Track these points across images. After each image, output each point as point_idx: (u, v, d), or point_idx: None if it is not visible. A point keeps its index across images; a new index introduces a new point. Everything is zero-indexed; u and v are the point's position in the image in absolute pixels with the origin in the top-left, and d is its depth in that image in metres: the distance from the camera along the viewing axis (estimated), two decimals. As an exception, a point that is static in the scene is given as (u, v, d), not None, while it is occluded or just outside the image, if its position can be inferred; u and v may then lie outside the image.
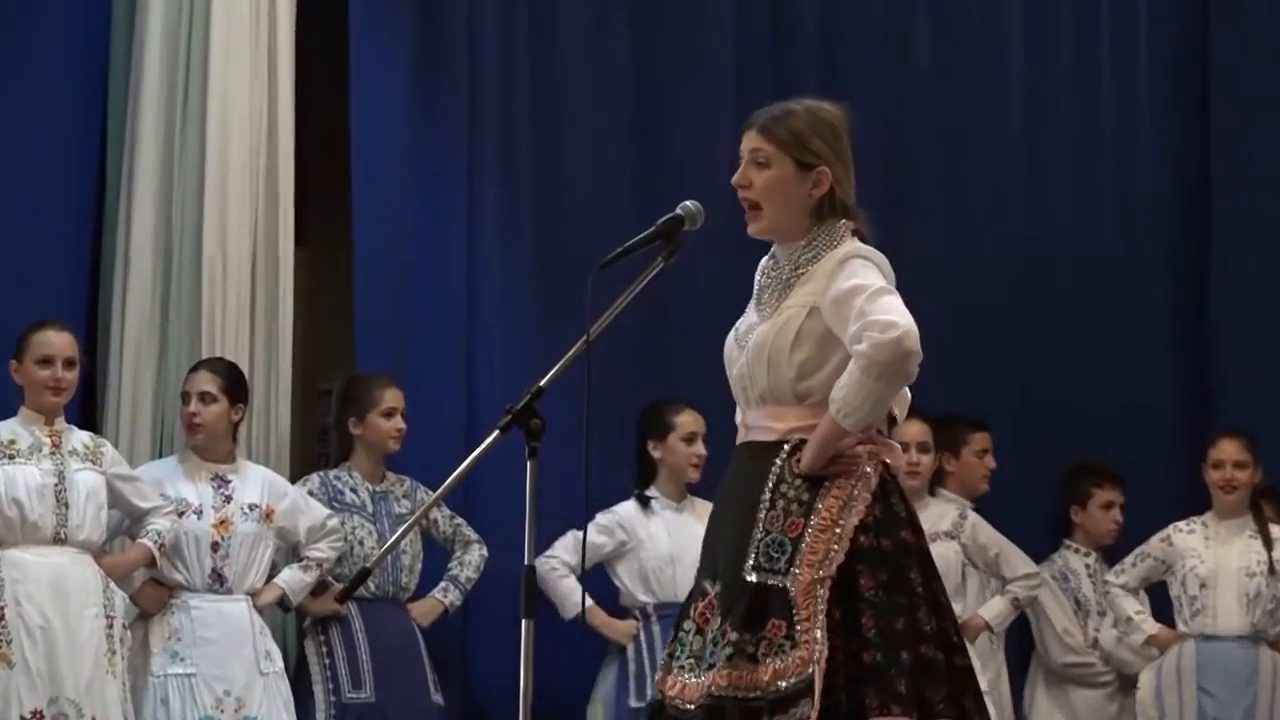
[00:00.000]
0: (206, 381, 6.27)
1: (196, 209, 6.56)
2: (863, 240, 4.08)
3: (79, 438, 6.08)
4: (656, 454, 6.83)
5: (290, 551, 6.46)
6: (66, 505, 5.92)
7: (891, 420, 4.11)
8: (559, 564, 6.61)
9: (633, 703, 6.58)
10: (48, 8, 6.60)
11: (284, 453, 6.66)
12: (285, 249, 6.69)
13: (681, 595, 4.60)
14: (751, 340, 4.06)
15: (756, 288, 4.16)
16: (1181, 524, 7.16)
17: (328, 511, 6.46)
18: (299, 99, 6.78)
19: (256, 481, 6.35)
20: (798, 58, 7.51)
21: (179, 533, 6.16)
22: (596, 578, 6.80)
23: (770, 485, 3.97)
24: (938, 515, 7.00)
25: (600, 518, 6.76)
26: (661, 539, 6.74)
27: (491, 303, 7.05)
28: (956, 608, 6.19)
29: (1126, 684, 7.28)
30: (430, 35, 7.04)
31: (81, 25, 6.63)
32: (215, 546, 6.22)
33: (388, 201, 6.93)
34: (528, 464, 3.85)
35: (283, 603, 6.39)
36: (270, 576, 6.36)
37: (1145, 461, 7.53)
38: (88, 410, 6.50)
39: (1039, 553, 7.31)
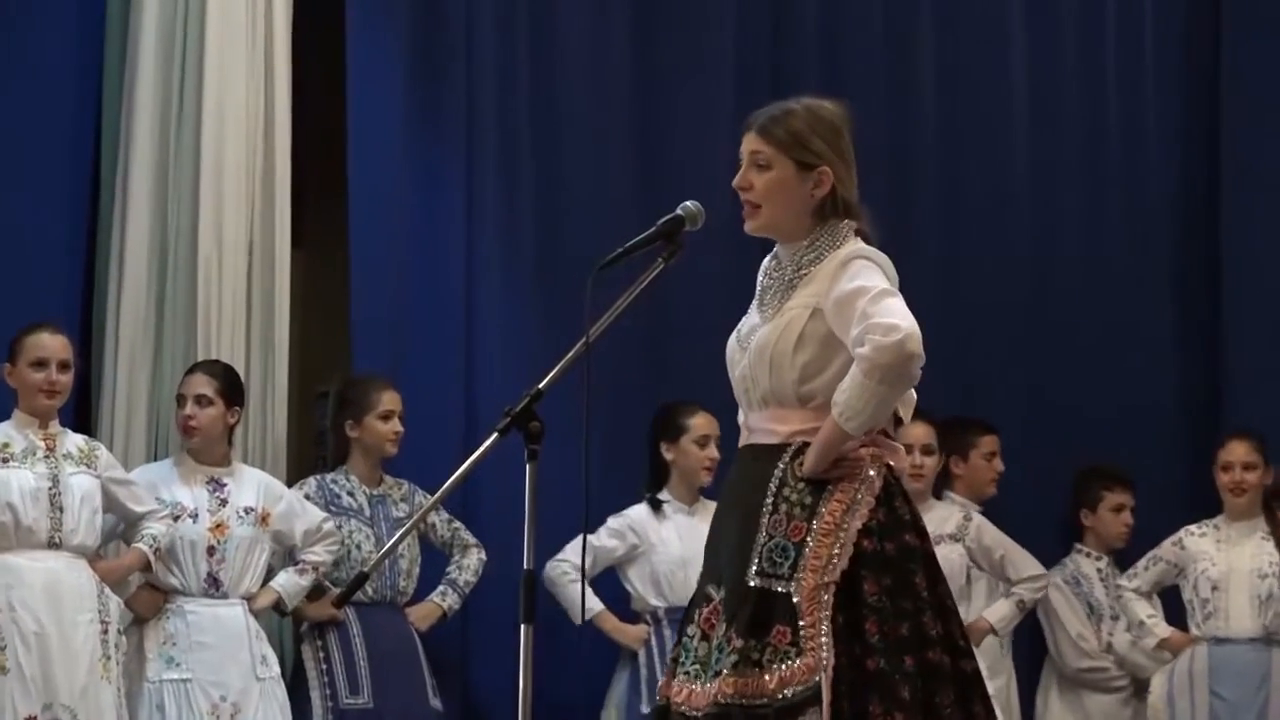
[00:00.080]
0: (202, 384, 6.26)
1: (192, 210, 6.53)
2: (866, 240, 4.07)
3: (73, 441, 6.05)
4: (669, 456, 6.82)
5: (286, 555, 6.44)
6: (61, 509, 5.90)
7: (897, 422, 4.10)
8: (570, 568, 6.59)
9: (644, 708, 6.57)
10: (41, 7, 6.58)
11: (280, 456, 6.64)
12: (281, 250, 6.67)
13: (694, 599, 4.58)
14: (754, 342, 4.05)
15: (759, 288, 4.15)
16: (1193, 527, 7.17)
17: (324, 515, 6.45)
18: (295, 99, 6.75)
19: (252, 485, 6.33)
20: (798, 57, 7.51)
21: (174, 537, 6.15)
22: (607, 582, 6.80)
23: (773, 489, 3.97)
24: (942, 518, 6.98)
25: (611, 521, 6.77)
26: (673, 542, 6.72)
27: (490, 304, 7.03)
28: (960, 610, 6.16)
29: (1141, 688, 7.28)
30: (428, 34, 7.02)
31: (76, 24, 6.60)
32: (211, 550, 6.20)
33: (385, 202, 6.92)
34: (527, 467, 3.84)
35: (279, 607, 6.37)
36: (266, 580, 6.34)
37: (1153, 463, 7.53)
38: (82, 413, 6.48)
39: (1049, 556, 7.30)
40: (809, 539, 3.89)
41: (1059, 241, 7.78)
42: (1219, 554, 7.06)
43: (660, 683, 4.11)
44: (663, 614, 6.71)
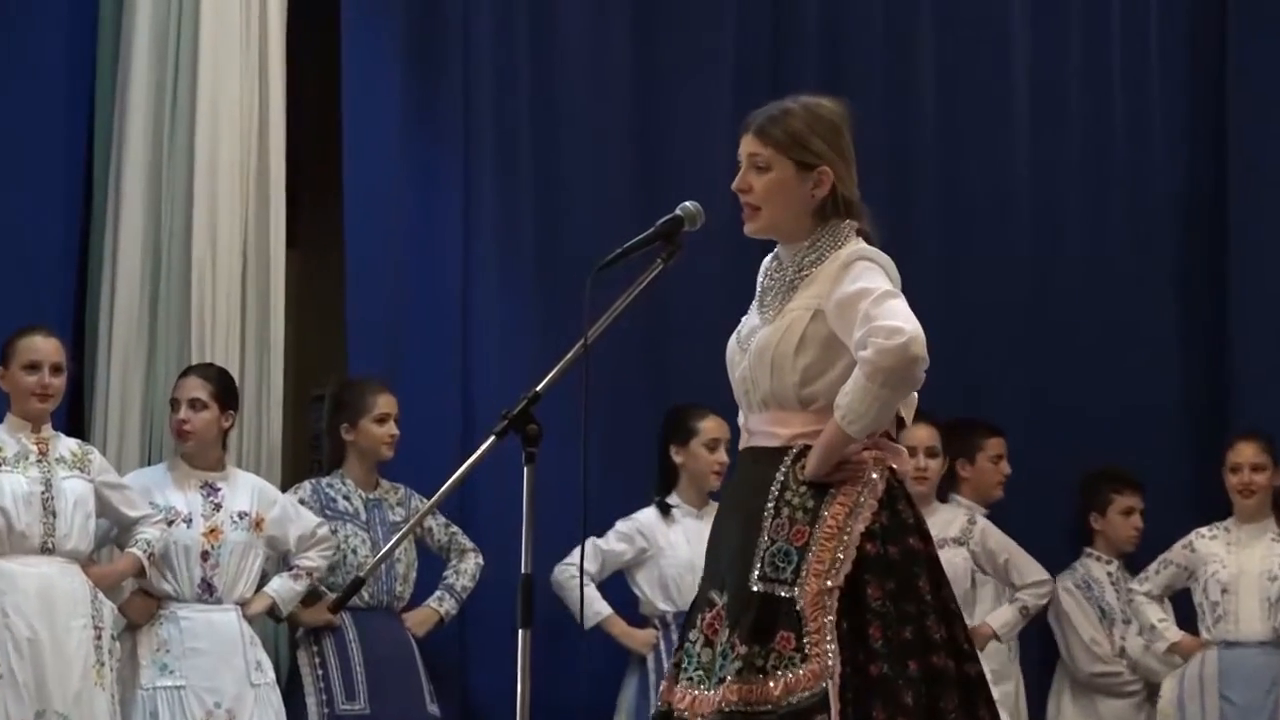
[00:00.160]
0: (196, 387, 6.24)
1: (186, 211, 6.51)
2: (867, 240, 4.05)
3: (66, 445, 6.04)
4: (678, 459, 6.81)
5: (280, 560, 6.42)
6: (54, 514, 5.89)
7: (899, 424, 4.08)
8: (577, 572, 6.56)
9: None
10: (33, 6, 6.56)
11: (275, 459, 6.63)
12: (276, 251, 6.65)
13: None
14: (754, 343, 4.04)
15: (759, 289, 4.13)
16: (1204, 530, 7.17)
17: (318, 520, 6.43)
18: (290, 98, 6.74)
19: (246, 489, 6.31)
20: (798, 56, 7.50)
21: (168, 542, 6.13)
22: (615, 586, 6.79)
23: (774, 492, 3.95)
24: (946, 521, 6.97)
25: (620, 524, 6.76)
26: (681, 546, 6.71)
27: (488, 305, 7.01)
28: (966, 615, 6.13)
29: (1153, 693, 7.28)
30: (424, 33, 7.00)
31: (68, 23, 6.59)
32: (205, 555, 6.19)
33: (381, 203, 6.90)
34: (525, 470, 3.82)
35: (273, 612, 6.35)
36: (260, 586, 6.31)
37: (1159, 464, 7.53)
38: (75, 417, 6.47)
39: (1057, 560, 7.29)
40: (812, 543, 3.87)
41: (1061, 241, 7.77)
42: (1229, 556, 7.05)
43: (662, 688, 4.09)
44: (671, 618, 6.69)
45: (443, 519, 6.68)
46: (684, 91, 7.31)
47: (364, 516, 6.56)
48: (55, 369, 5.98)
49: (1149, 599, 7.17)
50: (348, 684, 6.38)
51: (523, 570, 3.82)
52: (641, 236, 4.00)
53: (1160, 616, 7.16)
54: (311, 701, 6.36)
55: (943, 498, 7.12)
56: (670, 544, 6.74)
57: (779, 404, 3.99)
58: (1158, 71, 7.86)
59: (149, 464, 6.40)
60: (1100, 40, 7.84)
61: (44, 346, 5.97)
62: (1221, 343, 7.80)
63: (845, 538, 3.87)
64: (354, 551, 6.50)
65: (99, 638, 5.88)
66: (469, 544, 6.69)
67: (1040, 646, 7.40)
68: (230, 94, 6.56)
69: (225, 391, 6.26)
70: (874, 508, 3.91)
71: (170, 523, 6.13)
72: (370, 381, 6.62)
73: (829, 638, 3.79)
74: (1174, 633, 7.12)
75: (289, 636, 6.55)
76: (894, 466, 4.00)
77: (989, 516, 7.13)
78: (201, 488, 6.24)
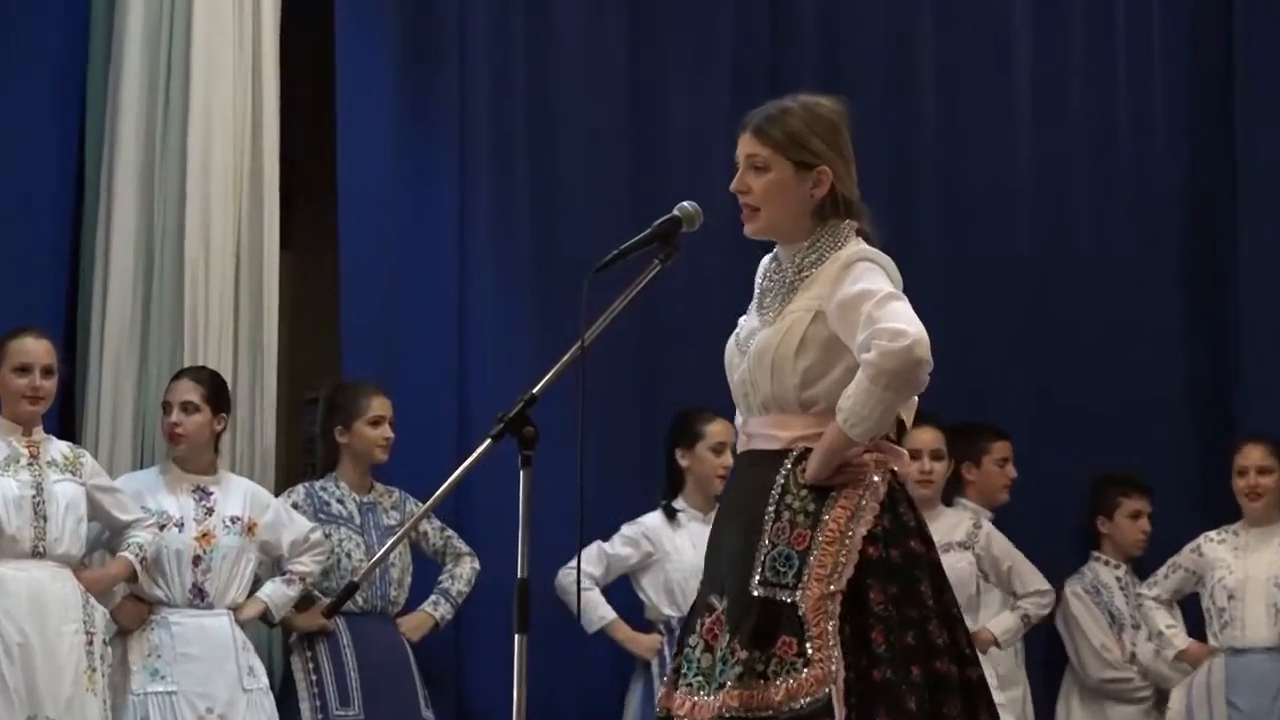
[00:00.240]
0: (188, 390, 6.22)
1: (178, 212, 6.50)
2: (867, 240, 4.04)
3: (58, 448, 6.02)
4: (684, 463, 6.80)
5: (273, 565, 6.41)
6: (45, 518, 5.87)
7: (900, 427, 4.06)
8: (581, 576, 6.56)
9: (659, 719, 6.53)
10: (25, 6, 6.55)
11: (269, 463, 6.62)
12: (270, 252, 6.63)
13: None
14: (753, 346, 4.02)
15: (758, 290, 4.12)
16: (1212, 533, 7.16)
17: (311, 525, 6.41)
18: (284, 98, 6.73)
19: (238, 493, 6.29)
20: (797, 55, 7.50)
21: (160, 546, 6.11)
22: (620, 590, 6.78)
23: (775, 496, 3.94)
24: (951, 525, 6.96)
25: (625, 529, 6.76)
26: (687, 551, 6.68)
27: (483, 307, 7.00)
28: (966, 621, 6.10)
29: (1163, 699, 7.28)
30: (420, 32, 6.99)
31: (60, 22, 6.57)
32: (197, 560, 6.17)
33: (375, 203, 6.89)
34: (521, 473, 3.80)
35: (265, 617, 6.34)
36: (253, 591, 6.30)
37: (1164, 463, 7.53)
38: (66, 419, 6.44)
39: (1064, 564, 7.30)
40: (813, 547, 3.86)
41: (1064, 239, 7.77)
42: (1236, 561, 7.04)
43: (660, 693, 4.08)
44: (676, 623, 6.67)
45: (438, 523, 6.67)
46: (681, 91, 7.31)
47: (358, 520, 6.54)
48: (46, 371, 5.96)
49: (1158, 604, 7.17)
50: (342, 690, 6.36)
51: (519, 575, 3.81)
52: (639, 237, 3.98)
53: (1169, 623, 7.16)
54: (305, 707, 6.34)
55: (948, 501, 7.10)
56: (676, 548, 6.73)
57: (779, 407, 3.97)
58: (1161, 67, 7.86)
59: (141, 467, 6.38)
60: (1103, 36, 7.84)
61: (35, 348, 5.95)
62: (1226, 339, 7.80)
63: (847, 541, 3.85)
64: (348, 556, 6.48)
65: (90, 643, 5.86)
66: (465, 548, 6.68)
67: (1046, 650, 7.39)
68: (223, 94, 6.54)
69: (217, 394, 6.24)
70: (876, 511, 3.89)
71: (162, 527, 6.11)
72: (364, 384, 6.61)
73: (832, 642, 3.78)
74: (1182, 639, 7.11)
75: (282, 642, 6.53)
76: (895, 469, 3.98)
77: (994, 520, 7.13)
78: (193, 492, 6.22)
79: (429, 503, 4.04)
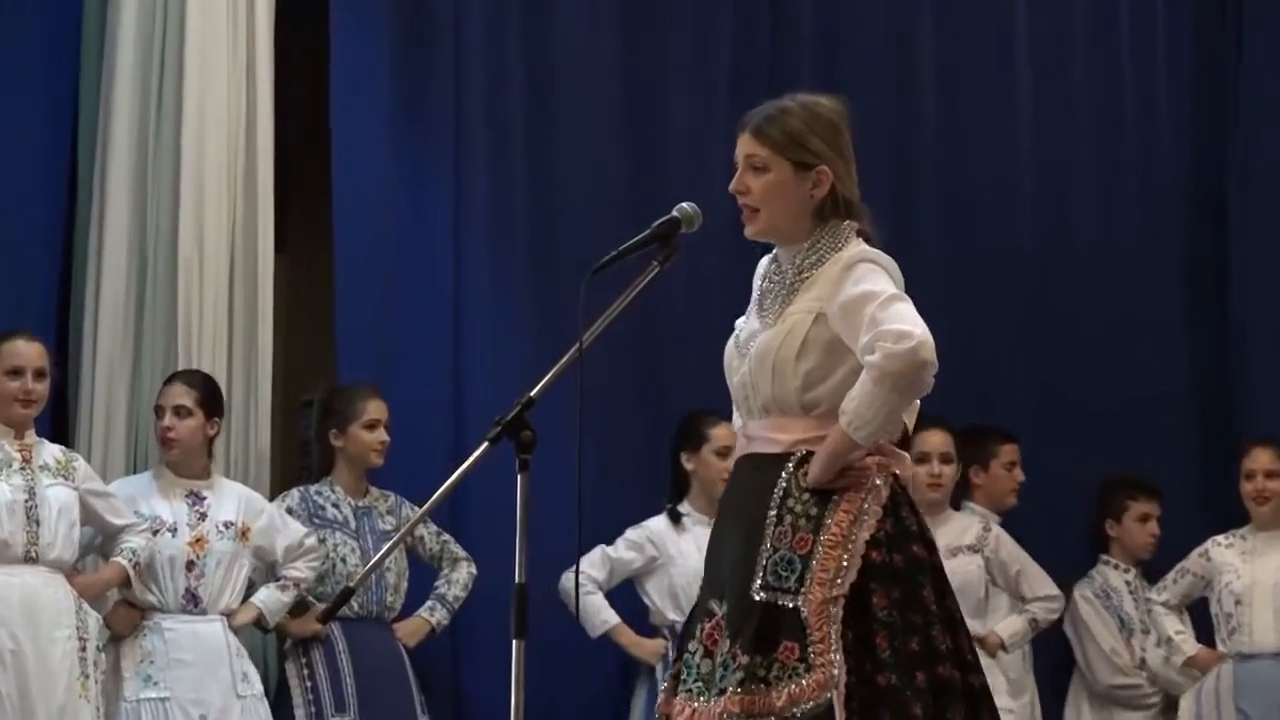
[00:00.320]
0: (181, 395, 6.21)
1: (172, 213, 6.48)
2: (868, 240, 4.02)
3: (50, 452, 6.01)
4: (689, 466, 6.79)
5: (268, 570, 6.40)
6: (37, 523, 5.86)
7: (903, 430, 4.03)
8: (585, 580, 6.59)
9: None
10: (16, 3, 6.53)
11: (263, 467, 6.60)
12: (264, 254, 6.62)
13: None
14: (754, 348, 4.00)
15: (757, 292, 4.10)
16: (1220, 537, 7.15)
17: (305, 530, 6.40)
18: (278, 98, 6.72)
19: (232, 498, 6.28)
20: (796, 55, 7.50)
21: (153, 551, 6.09)
22: (624, 595, 6.77)
23: (776, 499, 3.92)
24: (960, 529, 6.95)
25: (630, 533, 6.76)
26: (692, 555, 6.65)
27: (480, 308, 6.99)
28: (975, 625, 6.08)
29: (1172, 705, 7.27)
30: (415, 31, 6.98)
31: (52, 21, 6.56)
32: (190, 566, 6.15)
33: (370, 205, 6.88)
34: (518, 477, 3.79)
35: (260, 623, 6.33)
36: (247, 596, 6.28)
37: (1170, 459, 7.54)
38: (59, 423, 6.44)
39: (1073, 567, 7.28)
40: (816, 551, 3.84)
41: (1066, 233, 7.78)
42: (1243, 566, 7.03)
43: (660, 699, 4.06)
44: (680, 628, 6.61)
45: (434, 527, 6.65)
46: (680, 91, 7.31)
47: (353, 525, 6.53)
48: (39, 374, 5.96)
49: (1167, 609, 7.16)
50: (337, 695, 6.35)
51: (516, 579, 3.80)
52: (638, 238, 3.97)
53: (1178, 629, 7.15)
54: (300, 714, 6.33)
55: (956, 505, 7.09)
56: (680, 553, 6.72)
57: (780, 409, 3.95)
58: (1164, 60, 7.87)
59: (134, 471, 6.37)
60: (1106, 28, 7.85)
61: (27, 351, 5.94)
62: (1229, 332, 7.80)
63: (850, 545, 3.84)
64: (343, 561, 6.47)
65: (84, 649, 5.85)
66: (461, 553, 6.66)
67: (1053, 654, 7.37)
68: (217, 94, 6.53)
69: (210, 398, 6.23)
70: (878, 514, 3.89)
71: (155, 532, 6.09)
72: (360, 387, 6.60)
73: (834, 647, 3.76)
74: (1191, 645, 7.11)
75: (277, 648, 6.52)
76: (897, 472, 3.98)
77: (1002, 524, 7.12)
78: (187, 496, 6.21)
79: (425, 507, 4.01)
